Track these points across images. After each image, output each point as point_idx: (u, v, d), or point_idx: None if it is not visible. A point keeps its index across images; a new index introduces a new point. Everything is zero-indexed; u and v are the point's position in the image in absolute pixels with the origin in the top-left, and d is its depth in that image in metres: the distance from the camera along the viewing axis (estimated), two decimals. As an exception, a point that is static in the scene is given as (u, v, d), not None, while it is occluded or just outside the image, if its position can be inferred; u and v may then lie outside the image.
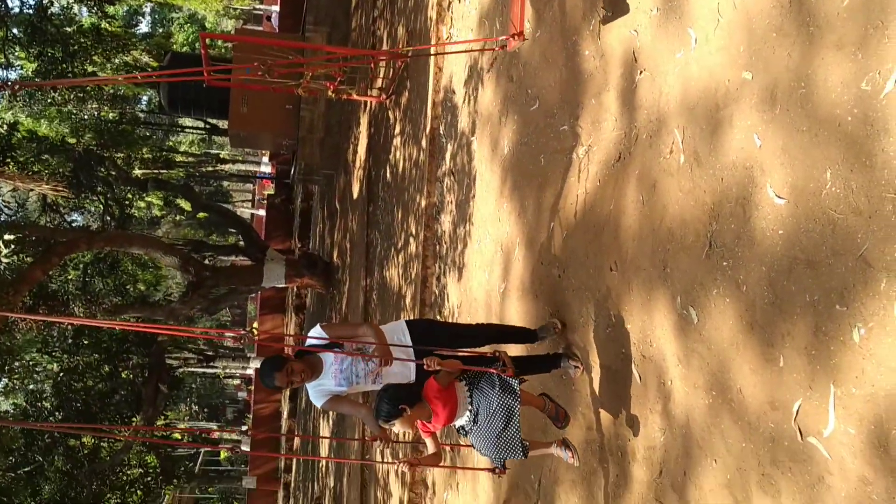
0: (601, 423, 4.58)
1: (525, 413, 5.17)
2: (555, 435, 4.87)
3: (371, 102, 13.67)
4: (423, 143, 9.55)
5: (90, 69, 20.92)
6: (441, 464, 4.90)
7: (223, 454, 46.54)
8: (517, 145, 6.30)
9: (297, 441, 24.39)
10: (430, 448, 4.67)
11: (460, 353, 4.89)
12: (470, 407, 4.44)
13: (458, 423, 4.54)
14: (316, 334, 4.96)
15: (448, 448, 7.06)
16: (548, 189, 5.60)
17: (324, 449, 17.26)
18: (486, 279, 6.75)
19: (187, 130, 38.32)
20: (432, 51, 9.18)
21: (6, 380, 17.90)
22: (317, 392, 5.03)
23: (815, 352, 2.84)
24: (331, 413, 15.86)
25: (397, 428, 4.41)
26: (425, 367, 4.35)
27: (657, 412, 3.95)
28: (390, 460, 5.80)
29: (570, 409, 4.96)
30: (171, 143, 40.61)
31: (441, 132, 8.97)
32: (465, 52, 7.72)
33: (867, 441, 2.60)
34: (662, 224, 3.96)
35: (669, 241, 3.88)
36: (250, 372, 42.40)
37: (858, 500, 2.62)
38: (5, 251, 14.01)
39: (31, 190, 19.60)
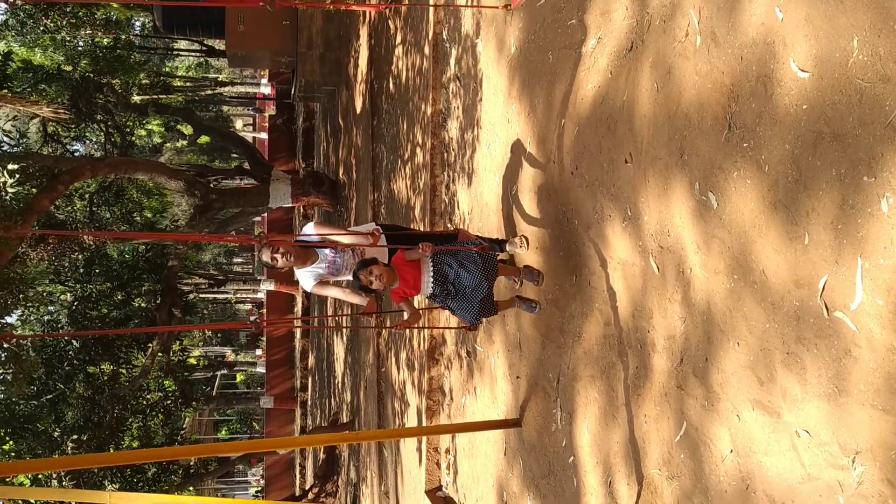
0: (619, 318, 4.58)
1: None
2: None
3: (370, 12, 13.35)
4: (426, 49, 9.34)
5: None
6: (419, 322, 5.93)
7: (239, 377, 47.42)
8: (524, 43, 6.15)
9: (311, 358, 24.74)
10: (407, 310, 5.59)
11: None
12: (433, 278, 5.36)
13: (427, 291, 5.44)
14: (308, 231, 6.07)
15: (464, 354, 7.12)
16: (557, 86, 5.48)
17: (339, 365, 17.51)
18: (497, 183, 6.68)
19: (183, 54, 37.67)
20: (431, -47, 8.90)
21: (22, 309, 17.98)
22: (307, 276, 6.14)
23: (841, 226, 2.79)
24: (344, 330, 16.02)
25: (375, 275, 5.15)
26: (420, 252, 5.31)
27: (677, 301, 3.94)
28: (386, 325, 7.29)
29: (586, 306, 4.96)
30: (168, 68, 39.97)
31: (444, 37, 8.76)
32: (466, -50, 7.48)
33: None
34: (679, 110, 3.87)
35: (686, 127, 3.80)
36: (261, 296, 42.75)
37: (886, 370, 2.61)
38: (10, 181, 13.91)
39: (32, 117, 19.40)
